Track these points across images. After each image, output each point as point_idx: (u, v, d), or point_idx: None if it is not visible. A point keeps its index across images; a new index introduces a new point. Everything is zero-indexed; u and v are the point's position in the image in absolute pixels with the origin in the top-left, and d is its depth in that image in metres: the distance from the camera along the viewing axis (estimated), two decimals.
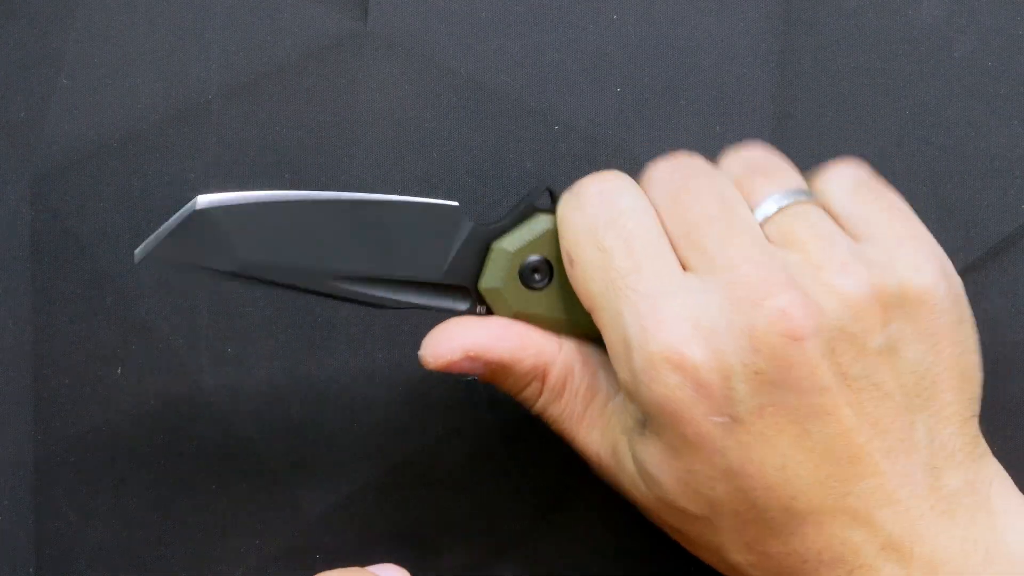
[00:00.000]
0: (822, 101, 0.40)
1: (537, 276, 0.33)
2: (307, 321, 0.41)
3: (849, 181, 0.34)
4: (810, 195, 0.33)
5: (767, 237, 0.32)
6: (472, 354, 0.33)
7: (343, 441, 0.41)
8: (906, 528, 0.31)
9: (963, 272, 0.40)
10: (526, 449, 0.41)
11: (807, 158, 0.36)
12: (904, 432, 0.31)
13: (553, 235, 0.33)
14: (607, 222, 0.32)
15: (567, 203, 0.33)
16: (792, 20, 0.40)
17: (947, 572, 0.31)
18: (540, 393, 0.35)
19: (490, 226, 0.34)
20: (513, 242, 0.33)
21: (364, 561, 0.39)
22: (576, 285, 0.32)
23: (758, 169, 0.33)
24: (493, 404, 0.41)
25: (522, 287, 0.33)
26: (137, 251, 0.32)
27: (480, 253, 0.33)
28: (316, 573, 0.34)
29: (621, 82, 0.40)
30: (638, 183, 0.33)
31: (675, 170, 0.33)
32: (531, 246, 0.33)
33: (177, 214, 0.32)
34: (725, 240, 0.31)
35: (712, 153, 0.41)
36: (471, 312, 0.34)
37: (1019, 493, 0.33)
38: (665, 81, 0.40)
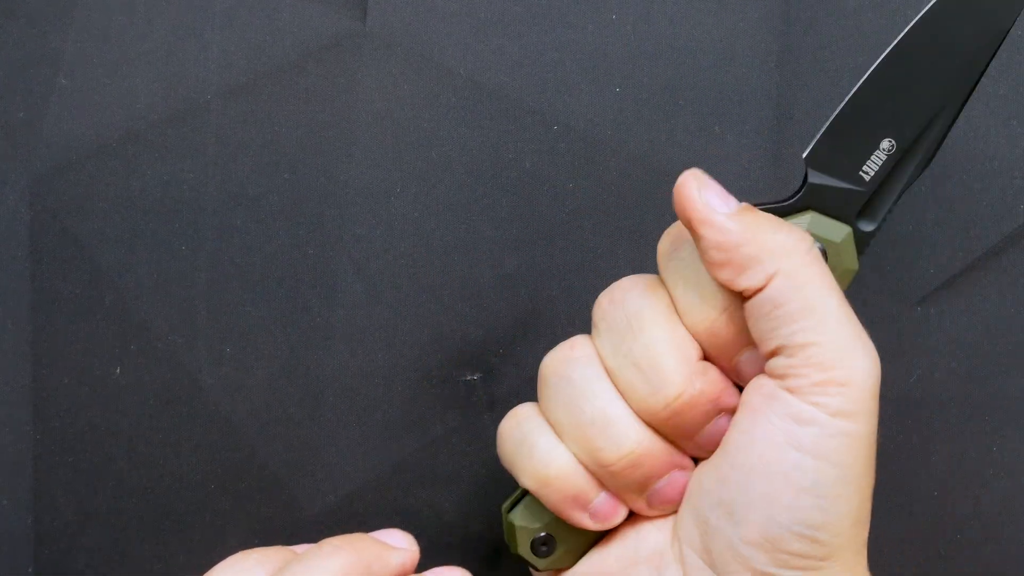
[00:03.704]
0: (822, 101, 0.40)
1: None
2: (307, 321, 0.41)
3: None
4: None
5: None
6: None
7: (343, 441, 0.41)
8: None
9: (963, 272, 0.40)
10: None
11: None
12: None
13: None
14: None
15: None
16: (792, 20, 0.40)
17: None
18: None
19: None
20: None
21: None
22: None
23: None
24: (493, 404, 0.41)
25: None
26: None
27: None
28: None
29: (621, 82, 0.40)
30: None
31: None
32: None
33: None
34: None
35: (712, 153, 0.41)
36: None
37: None
38: (665, 81, 0.40)
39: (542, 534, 0.35)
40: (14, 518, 0.42)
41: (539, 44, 0.40)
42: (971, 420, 0.40)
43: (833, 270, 0.33)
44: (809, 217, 0.33)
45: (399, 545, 0.34)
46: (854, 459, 0.31)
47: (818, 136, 0.33)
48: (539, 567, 0.35)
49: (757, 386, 0.32)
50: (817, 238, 0.33)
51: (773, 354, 0.32)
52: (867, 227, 0.33)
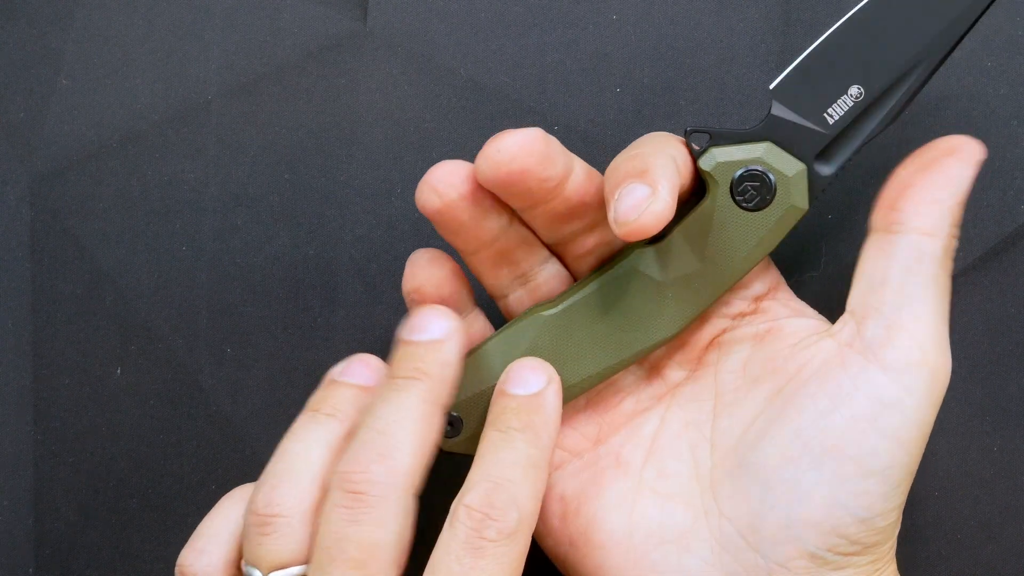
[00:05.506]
0: None
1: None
2: (307, 321, 0.41)
3: None
4: None
5: None
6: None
7: None
8: None
9: (963, 272, 0.40)
10: None
11: None
12: None
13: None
14: None
15: None
16: (792, 20, 0.40)
17: None
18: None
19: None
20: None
21: None
22: None
23: None
24: None
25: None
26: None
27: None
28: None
29: (621, 82, 0.40)
30: None
31: None
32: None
33: None
34: None
35: None
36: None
37: None
38: (665, 81, 0.40)
39: (451, 413, 0.35)
40: (14, 518, 0.42)
41: (539, 44, 0.40)
42: (971, 420, 0.40)
43: (780, 205, 0.33)
44: (765, 146, 0.33)
45: (436, 334, 0.32)
46: (919, 450, 0.32)
47: (787, 70, 0.33)
48: (441, 446, 0.35)
49: (840, 360, 0.33)
50: (770, 168, 0.33)
51: (874, 309, 0.32)
52: (825, 171, 0.33)
